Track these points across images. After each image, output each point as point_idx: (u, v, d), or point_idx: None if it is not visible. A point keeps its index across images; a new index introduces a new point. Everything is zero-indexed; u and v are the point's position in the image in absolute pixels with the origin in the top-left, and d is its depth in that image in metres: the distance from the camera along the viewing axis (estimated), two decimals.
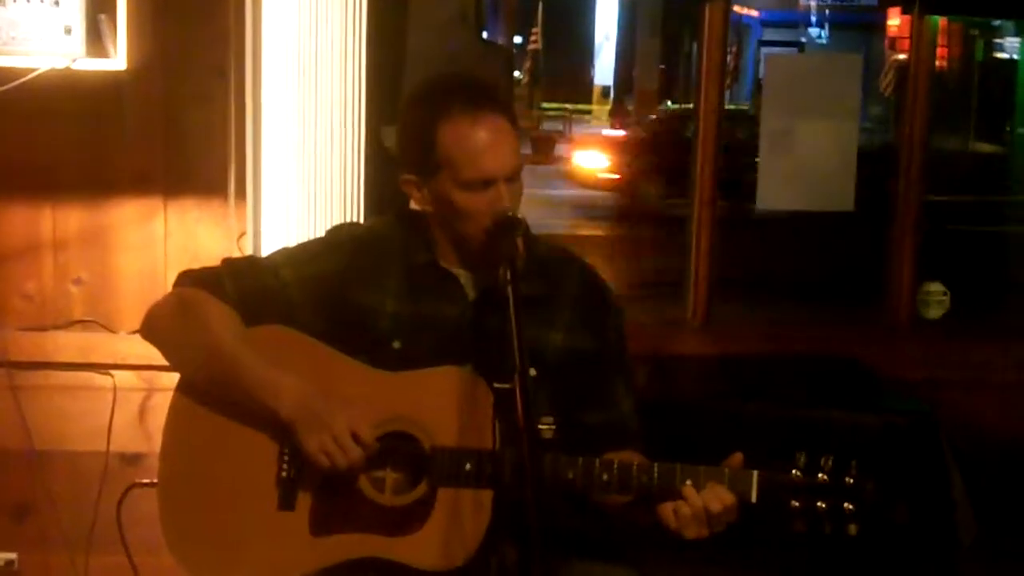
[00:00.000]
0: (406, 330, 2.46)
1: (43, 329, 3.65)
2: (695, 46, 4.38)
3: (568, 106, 28.37)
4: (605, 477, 2.30)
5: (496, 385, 2.32)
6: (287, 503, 2.37)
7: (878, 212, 4.17)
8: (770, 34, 30.54)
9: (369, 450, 2.31)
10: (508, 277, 2.23)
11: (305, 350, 2.45)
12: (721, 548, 3.09)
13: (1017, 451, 3.91)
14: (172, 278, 2.59)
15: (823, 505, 2.23)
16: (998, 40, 24.65)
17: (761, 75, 23.64)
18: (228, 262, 2.60)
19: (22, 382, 3.63)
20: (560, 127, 26.20)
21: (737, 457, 2.30)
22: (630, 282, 8.15)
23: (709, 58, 3.97)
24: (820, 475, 2.24)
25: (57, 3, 3.23)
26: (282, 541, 2.36)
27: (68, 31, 3.24)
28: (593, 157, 14.84)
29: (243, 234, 3.45)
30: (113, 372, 3.65)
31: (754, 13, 29.76)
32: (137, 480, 3.08)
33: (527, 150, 20.37)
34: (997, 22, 23.45)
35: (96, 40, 3.29)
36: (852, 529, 2.23)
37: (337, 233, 2.63)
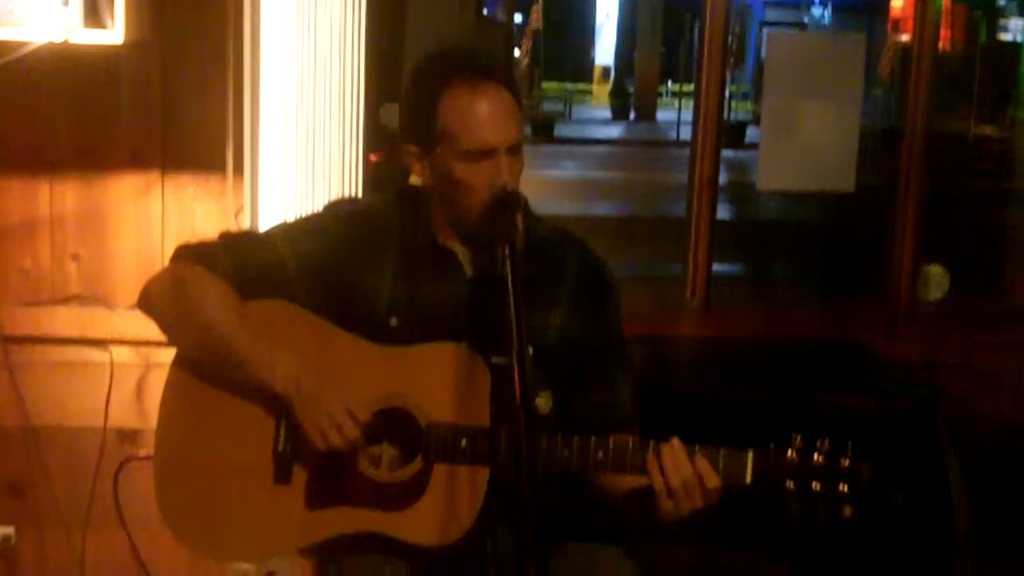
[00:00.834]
0: (403, 308, 2.45)
1: (40, 304, 3.65)
2: (696, 27, 4.40)
3: (568, 86, 28.34)
4: (600, 455, 2.30)
5: (494, 360, 2.33)
6: (283, 477, 2.38)
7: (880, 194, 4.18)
8: (772, 15, 30.50)
9: (365, 428, 2.31)
10: (507, 254, 2.22)
11: (302, 325, 2.45)
12: (712, 534, 3.14)
13: (1015, 435, 3.91)
14: (169, 253, 2.58)
15: (818, 487, 2.22)
16: (1002, 22, 24.61)
17: (763, 56, 23.59)
18: (225, 236, 2.60)
19: (18, 358, 3.63)
20: (560, 107, 26.19)
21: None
22: (631, 264, 8.17)
23: (711, 39, 3.97)
24: (816, 456, 2.24)
25: None
26: (277, 515, 2.37)
27: (65, 3, 3.23)
28: None
29: (240, 211, 3.45)
30: (110, 348, 3.65)
31: None
32: (133, 454, 3.07)
33: (526, 131, 20.34)
34: (1002, 2, 23.42)
35: (93, 12, 3.28)
36: (847, 511, 2.22)
37: (335, 209, 2.63)
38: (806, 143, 4.05)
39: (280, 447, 2.39)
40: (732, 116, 22.36)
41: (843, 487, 2.22)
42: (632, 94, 28.72)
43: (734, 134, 17.13)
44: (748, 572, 3.65)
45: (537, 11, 23.87)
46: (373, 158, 3.57)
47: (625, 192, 14.53)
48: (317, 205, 3.19)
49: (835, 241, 9.92)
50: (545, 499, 2.01)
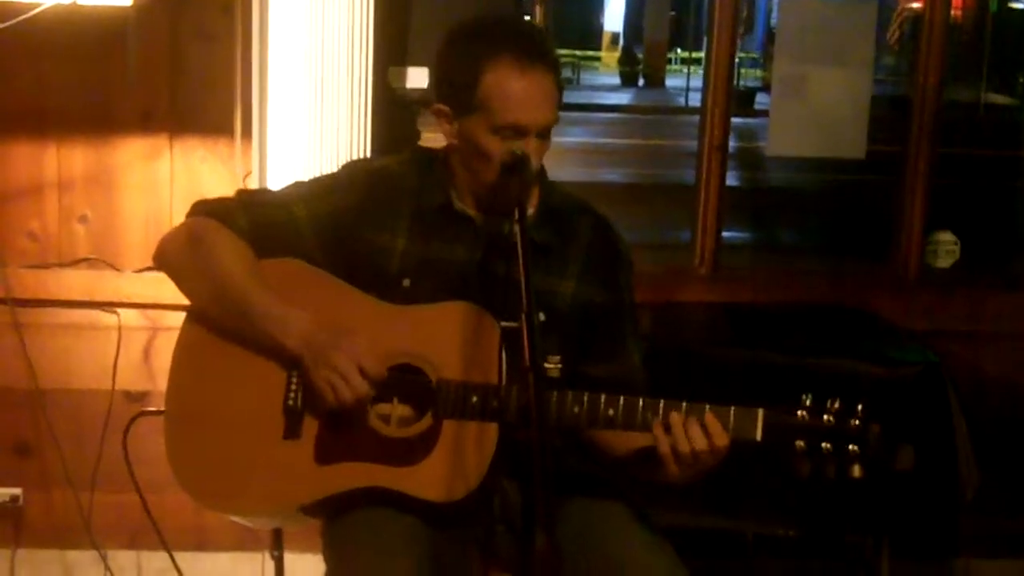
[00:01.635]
0: (416, 270, 2.47)
1: (47, 267, 3.66)
2: None
3: (577, 52, 28.23)
4: (611, 412, 2.31)
5: (503, 324, 2.34)
6: (293, 432, 2.39)
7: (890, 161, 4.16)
8: None
9: (376, 384, 2.33)
10: (516, 217, 2.23)
11: (316, 283, 2.47)
12: (714, 498, 3.15)
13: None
14: (177, 217, 2.60)
15: (828, 446, 2.22)
16: None
17: (774, 23, 23.51)
18: (242, 193, 2.63)
19: (26, 320, 3.64)
20: (569, 74, 26.09)
21: None
22: (640, 231, 8.17)
23: (721, 5, 3.94)
24: (826, 416, 2.24)
25: None
26: (286, 469, 2.38)
27: None
28: None
29: (249, 174, 3.44)
30: (118, 310, 3.67)
31: None
32: (144, 409, 3.08)
33: None
34: None
35: None
36: (856, 471, 2.22)
37: (351, 169, 2.64)
38: (817, 109, 4.02)
39: (290, 402, 2.40)
40: (741, 83, 22.28)
41: (853, 448, 2.22)
42: (641, 60, 28.60)
43: (743, 101, 17.05)
44: (753, 537, 3.67)
45: None
46: None
47: (633, 159, 14.50)
48: (325, 168, 3.20)
49: (845, 208, 9.90)
50: (554, 457, 2.01)
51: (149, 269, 3.52)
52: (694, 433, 2.25)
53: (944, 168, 4.11)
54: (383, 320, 2.42)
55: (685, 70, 24.50)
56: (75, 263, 3.66)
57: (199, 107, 3.60)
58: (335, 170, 2.67)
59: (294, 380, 2.40)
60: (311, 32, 3.31)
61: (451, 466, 2.32)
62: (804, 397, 2.26)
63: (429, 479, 2.32)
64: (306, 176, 2.73)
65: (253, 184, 3.32)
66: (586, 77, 27.50)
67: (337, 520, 2.39)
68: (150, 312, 3.65)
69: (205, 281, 2.47)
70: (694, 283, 3.98)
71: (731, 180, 4.09)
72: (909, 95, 4.08)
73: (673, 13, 28.17)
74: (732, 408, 2.28)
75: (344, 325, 2.38)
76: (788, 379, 3.30)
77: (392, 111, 3.62)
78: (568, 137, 14.85)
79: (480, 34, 2.44)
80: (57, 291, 3.65)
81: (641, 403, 2.30)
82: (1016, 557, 3.98)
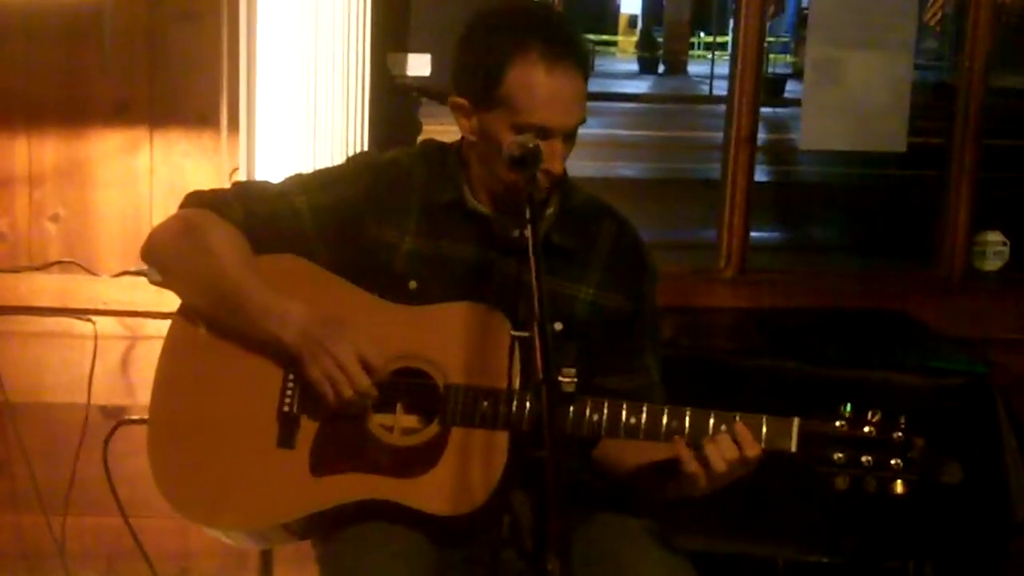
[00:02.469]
0: (423, 270, 2.47)
1: (17, 271, 3.66)
2: None
3: (592, 37, 28.27)
4: (633, 421, 2.30)
5: (514, 333, 2.34)
6: (287, 440, 2.39)
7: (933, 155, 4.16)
8: None
9: (378, 378, 2.33)
10: (528, 214, 2.21)
11: (315, 281, 2.47)
12: (747, 518, 3.14)
13: None
14: (158, 217, 2.60)
15: (868, 459, 2.21)
16: None
17: (805, 4, 23.49)
18: (239, 184, 2.64)
19: None
20: None
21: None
22: (660, 229, 8.15)
23: None
24: (866, 428, 2.23)
25: None
26: (279, 480, 2.37)
27: None
28: None
29: (236, 169, 3.43)
30: (94, 318, 3.66)
31: None
32: (125, 418, 3.08)
33: None
34: None
35: None
36: (899, 487, 2.21)
37: (356, 162, 2.64)
38: (853, 97, 4.02)
39: (286, 407, 2.40)
40: (770, 69, 22.30)
41: (896, 462, 2.21)
42: (661, 45, 28.62)
43: (772, 89, 17.06)
44: (784, 564, 3.65)
45: None
46: None
47: (653, 151, 14.52)
48: (319, 163, 3.19)
49: (884, 205, 9.90)
50: (569, 474, 2.01)
51: (127, 273, 3.52)
52: (724, 444, 2.24)
53: (992, 161, 4.10)
54: (386, 320, 2.42)
55: (709, 55, 24.50)
56: (47, 266, 3.66)
57: (181, 95, 3.60)
58: (339, 163, 2.67)
59: (290, 383, 2.40)
60: (304, 14, 3.30)
61: (458, 478, 2.31)
62: (843, 407, 2.25)
63: (434, 491, 2.31)
64: (298, 170, 2.72)
65: (241, 179, 3.32)
66: (602, 64, 27.52)
67: (333, 538, 2.38)
68: (128, 320, 3.64)
69: (198, 273, 2.48)
70: (719, 286, 3.97)
71: (759, 175, 4.08)
72: (953, 82, 4.07)
73: None
74: (764, 417, 2.27)
75: (345, 323, 2.38)
76: (821, 391, 3.29)
77: (391, 100, 3.62)
78: (582, 129, 14.85)
79: (507, 24, 2.42)
80: (27, 297, 3.65)
81: (666, 412, 2.30)
82: None
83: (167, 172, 3.63)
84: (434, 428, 2.34)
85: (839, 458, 2.23)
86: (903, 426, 2.23)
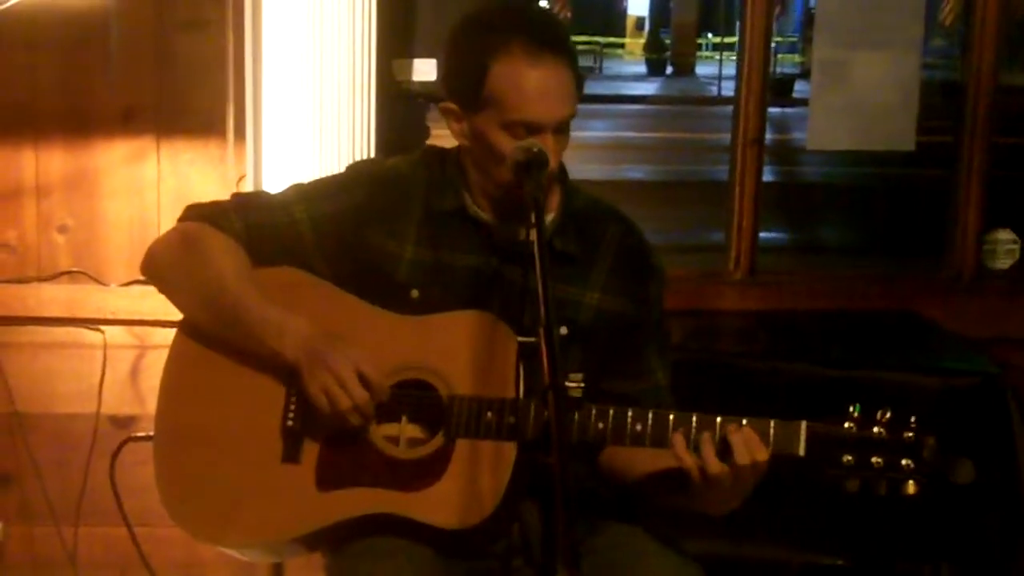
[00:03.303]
0: (426, 279, 2.46)
1: (26, 281, 3.66)
2: None
3: (599, 39, 28.27)
4: (639, 428, 2.28)
5: (520, 339, 2.32)
6: (292, 455, 2.38)
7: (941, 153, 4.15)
8: None
9: (377, 393, 2.31)
10: (532, 219, 2.20)
11: (316, 293, 2.47)
12: (760, 521, 3.12)
13: None
14: (165, 225, 2.60)
15: (879, 461, 2.19)
16: None
17: (812, 3, 23.45)
18: (237, 196, 2.62)
19: (3, 339, 3.65)
20: (591, 63, 26.12)
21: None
22: (668, 232, 8.14)
23: None
24: (876, 428, 2.21)
25: None
26: (284, 496, 2.37)
27: None
28: None
29: (242, 177, 3.44)
30: (103, 328, 3.67)
31: None
32: (132, 435, 3.08)
33: None
34: None
35: None
36: (911, 487, 2.19)
37: (356, 170, 2.63)
38: (861, 96, 4.01)
39: (290, 422, 2.39)
40: (778, 69, 22.26)
41: (906, 462, 2.19)
42: (669, 47, 28.61)
43: (780, 89, 17.04)
44: (799, 567, 3.64)
45: None
46: None
47: (661, 153, 14.49)
48: (326, 170, 3.19)
49: (893, 205, 9.87)
50: (577, 482, 2.00)
51: (136, 283, 3.53)
52: (731, 448, 2.21)
53: (1002, 160, 4.09)
54: (389, 331, 2.41)
55: (717, 56, 24.49)
56: (55, 276, 3.67)
57: (187, 104, 3.60)
58: (339, 172, 2.65)
59: (293, 397, 2.39)
60: (309, 21, 3.30)
61: (464, 490, 2.30)
62: (851, 408, 2.23)
63: (440, 504, 2.30)
64: (305, 179, 2.72)
65: (247, 188, 3.32)
66: (609, 66, 27.56)
67: (341, 551, 2.38)
68: (137, 329, 3.65)
69: (197, 287, 2.47)
70: (728, 289, 3.96)
71: (767, 176, 4.07)
72: (962, 80, 4.06)
73: None
74: (772, 421, 2.25)
75: (346, 336, 2.37)
76: (832, 393, 3.27)
77: (398, 107, 3.62)
78: (590, 131, 14.85)
79: (487, 23, 2.41)
80: (36, 307, 3.66)
81: (672, 417, 2.28)
82: None
83: (174, 180, 3.63)
84: (438, 440, 2.33)
85: (848, 460, 2.20)
86: (914, 425, 2.20)
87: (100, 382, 3.66)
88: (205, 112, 3.58)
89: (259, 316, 2.39)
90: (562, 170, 2.49)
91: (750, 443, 2.22)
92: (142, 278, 2.63)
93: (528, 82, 2.33)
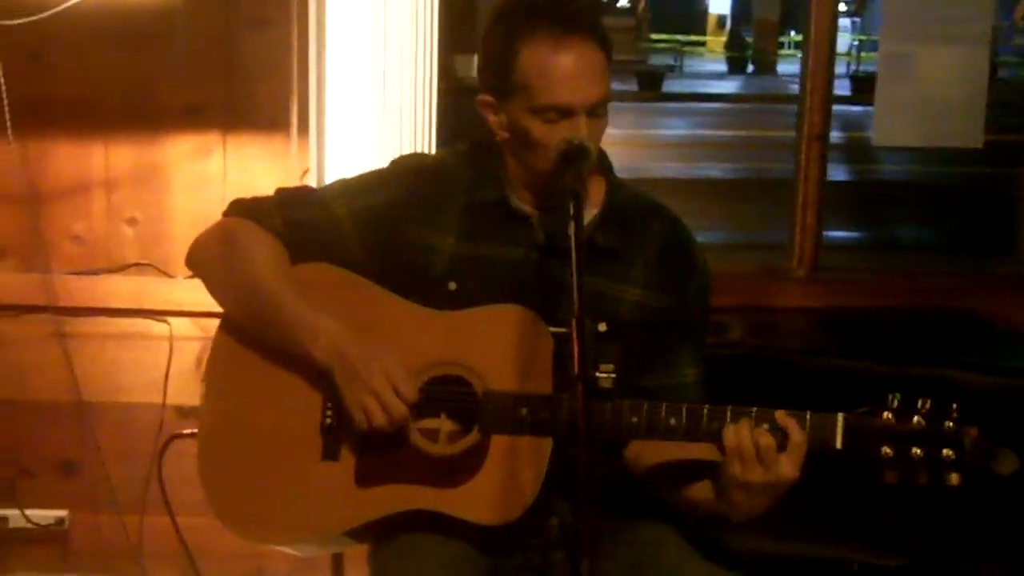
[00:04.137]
0: (464, 271, 2.45)
1: (94, 273, 3.71)
2: None
3: (680, 38, 28.15)
4: (673, 422, 2.25)
5: (552, 329, 2.30)
6: (331, 453, 2.40)
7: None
8: None
9: (410, 401, 2.31)
10: (571, 212, 2.18)
11: (353, 289, 2.47)
12: (815, 518, 3.10)
13: None
14: None
15: (918, 452, 2.14)
16: None
17: None
18: (280, 192, 2.63)
19: (71, 329, 3.70)
20: (671, 61, 26.02)
21: None
22: (740, 230, 8.10)
23: None
24: (915, 419, 2.15)
25: None
26: (326, 493, 2.38)
27: None
28: None
29: (306, 171, 3.48)
30: (169, 319, 3.71)
31: None
32: (177, 432, 3.11)
33: (632, 86, 20.30)
34: None
35: None
36: (953, 479, 2.13)
37: (399, 164, 2.63)
38: (928, 94, 3.96)
39: (328, 420, 2.40)
40: (860, 67, 22.08)
41: (947, 452, 2.13)
42: (750, 45, 28.43)
43: (862, 87, 16.86)
44: (859, 567, 3.61)
45: None
46: None
47: (739, 151, 14.40)
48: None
49: (960, 202, 9.75)
50: (609, 474, 1.99)
51: None
52: (763, 440, 2.18)
53: None
54: (423, 327, 2.40)
55: (799, 54, 24.29)
56: (123, 268, 3.72)
57: (252, 99, 3.63)
58: (383, 166, 2.66)
59: (330, 397, 2.40)
60: (372, 17, 3.33)
61: (500, 486, 2.29)
62: (891, 397, 2.18)
63: (477, 500, 2.30)
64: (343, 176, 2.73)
65: (312, 182, 3.35)
66: (690, 64, 27.40)
67: (382, 546, 2.39)
68: (203, 321, 3.67)
69: (234, 284, 2.49)
70: (790, 285, 3.92)
71: (843, 174, 4.04)
72: None
73: None
74: (808, 412, 2.21)
75: (380, 335, 2.37)
76: (887, 391, 3.23)
77: (459, 102, 3.64)
78: (668, 130, 14.81)
79: (513, 12, 2.41)
80: (104, 298, 3.71)
81: (706, 411, 2.25)
82: None
83: (239, 175, 3.67)
84: (474, 436, 2.32)
85: (887, 452, 2.15)
86: (955, 415, 2.15)
87: (166, 373, 3.70)
88: (270, 108, 3.61)
89: (293, 315, 2.40)
90: (606, 162, 2.48)
91: (787, 423, 2.19)
92: None
93: (554, 65, 2.32)
